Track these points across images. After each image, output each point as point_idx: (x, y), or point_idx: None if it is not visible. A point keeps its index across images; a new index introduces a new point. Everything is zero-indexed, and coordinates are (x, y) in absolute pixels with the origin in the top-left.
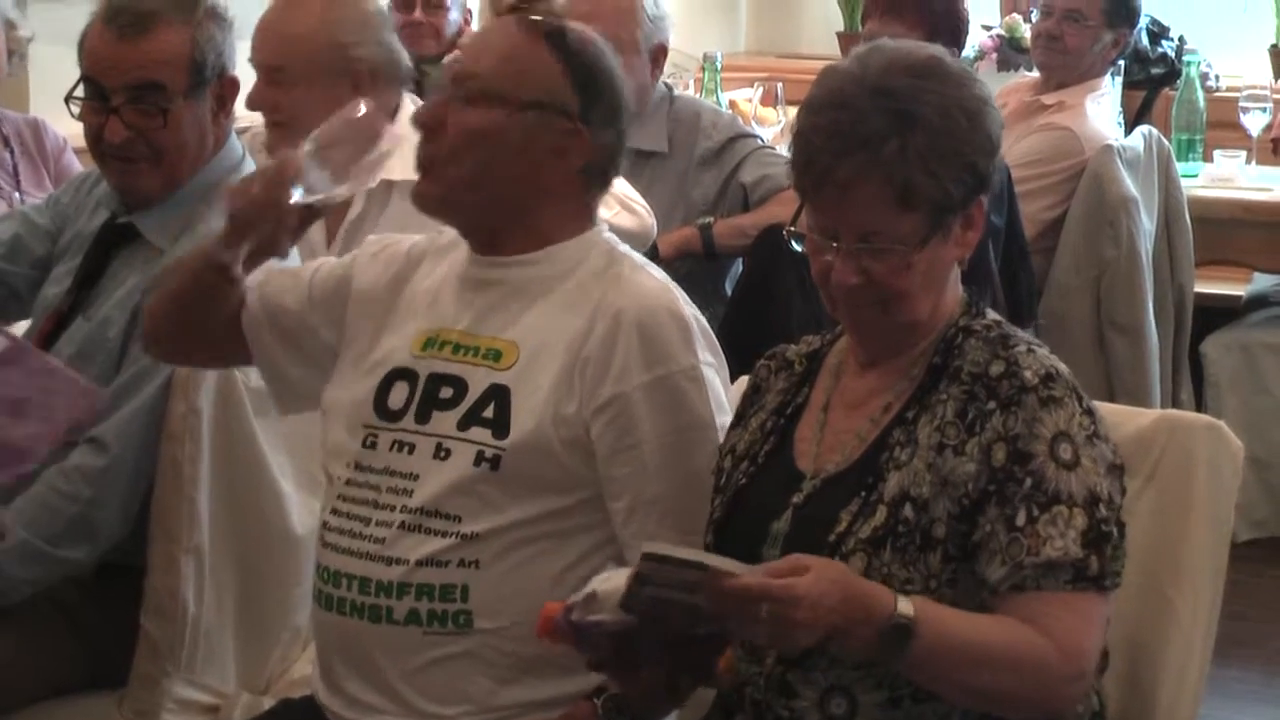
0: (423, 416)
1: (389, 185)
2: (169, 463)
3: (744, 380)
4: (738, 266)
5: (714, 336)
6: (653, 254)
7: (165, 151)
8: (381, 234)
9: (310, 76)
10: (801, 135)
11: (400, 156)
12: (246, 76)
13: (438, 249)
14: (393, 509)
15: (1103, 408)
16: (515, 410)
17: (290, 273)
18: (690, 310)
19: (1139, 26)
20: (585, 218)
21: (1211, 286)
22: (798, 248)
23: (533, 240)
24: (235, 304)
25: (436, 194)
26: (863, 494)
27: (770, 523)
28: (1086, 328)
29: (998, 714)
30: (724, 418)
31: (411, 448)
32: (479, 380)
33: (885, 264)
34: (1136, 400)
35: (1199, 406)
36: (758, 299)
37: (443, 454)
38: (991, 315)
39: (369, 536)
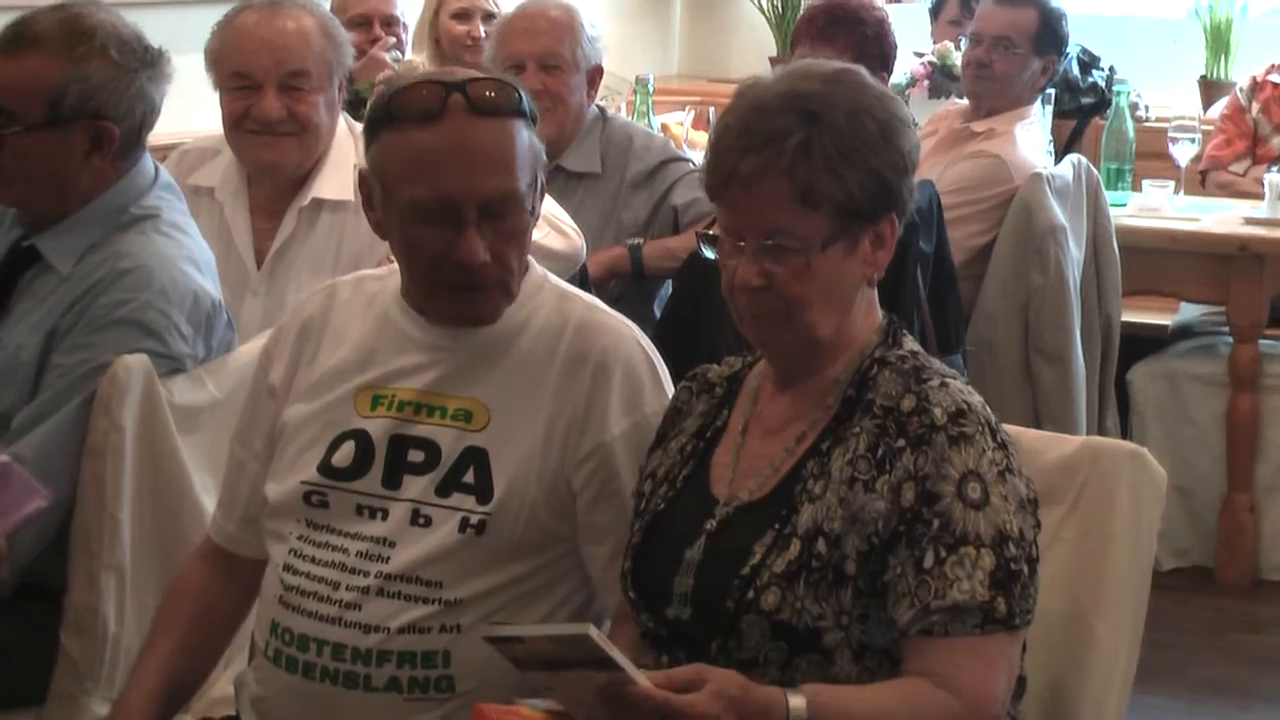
0: (392, 481)
1: (318, 204)
2: (90, 480)
3: None
4: (667, 288)
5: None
6: (582, 274)
7: (10, 176)
8: (266, 337)
9: (326, 79)
10: (714, 136)
11: (333, 174)
12: (178, 113)
13: (340, 304)
14: (366, 574)
15: (1027, 434)
16: (496, 473)
17: (235, 475)
18: (651, 347)
19: (1069, 56)
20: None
21: (1139, 315)
22: (709, 254)
23: None
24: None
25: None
26: (776, 526)
27: (684, 550)
28: (1014, 355)
29: None
30: None
31: (384, 513)
32: (451, 443)
33: (786, 266)
34: (1062, 427)
35: (1124, 435)
36: (685, 322)
37: (422, 520)
38: (909, 345)
39: (338, 601)
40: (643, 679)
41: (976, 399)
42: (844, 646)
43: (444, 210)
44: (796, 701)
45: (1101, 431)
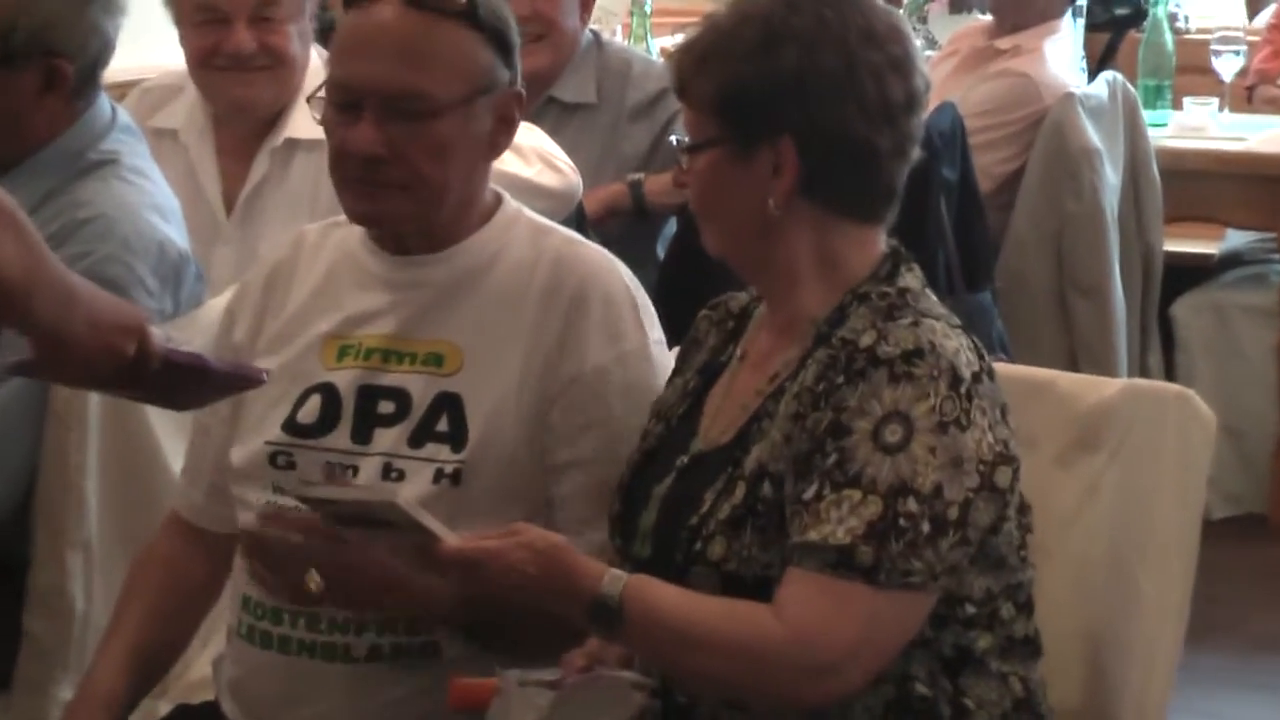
0: (361, 436)
1: (292, 144)
2: (54, 450)
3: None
4: (671, 227)
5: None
6: (578, 214)
7: None
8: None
9: (298, 7)
10: None
11: (308, 111)
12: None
13: (307, 250)
14: None
15: (1062, 379)
16: (471, 418)
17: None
18: (635, 283)
19: None
20: (493, 201)
21: (1181, 244)
22: None
23: (445, 238)
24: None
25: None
26: (729, 469)
27: (654, 486)
28: (1047, 289)
29: (736, 700)
30: None
31: (354, 470)
32: (422, 390)
33: (688, 167)
34: (1102, 367)
35: (1169, 373)
36: (691, 261)
37: (394, 475)
38: (904, 282)
39: None
40: (453, 537)
41: (954, 344)
42: None
43: (346, 95)
44: (612, 586)
45: (1144, 370)
